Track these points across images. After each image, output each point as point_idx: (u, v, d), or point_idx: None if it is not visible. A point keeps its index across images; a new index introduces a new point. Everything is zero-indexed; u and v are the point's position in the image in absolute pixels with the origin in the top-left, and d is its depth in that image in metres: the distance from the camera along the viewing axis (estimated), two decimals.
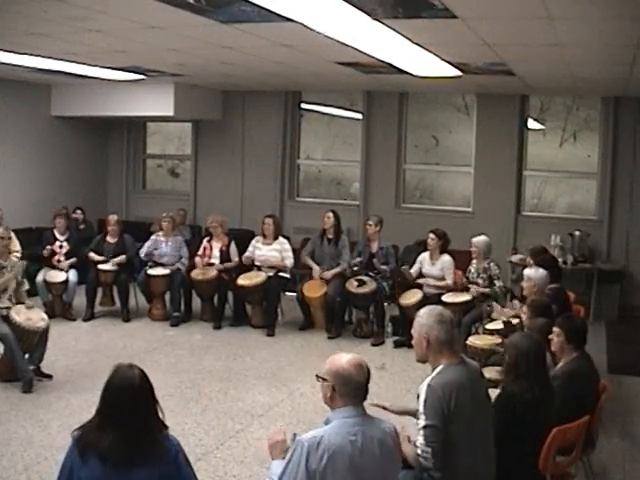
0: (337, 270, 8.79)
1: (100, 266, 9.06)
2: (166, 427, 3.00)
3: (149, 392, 2.96)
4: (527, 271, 6.46)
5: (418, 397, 3.47)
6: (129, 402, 2.87)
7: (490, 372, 5.17)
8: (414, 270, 8.52)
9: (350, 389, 3.04)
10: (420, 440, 3.39)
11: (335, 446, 2.91)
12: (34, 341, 6.55)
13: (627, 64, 7.07)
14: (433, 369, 3.56)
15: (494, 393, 3.93)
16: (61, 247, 9.10)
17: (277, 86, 10.99)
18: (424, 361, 3.64)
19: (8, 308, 6.60)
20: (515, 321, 6.08)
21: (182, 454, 3.01)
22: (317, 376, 3.14)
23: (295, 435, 3.18)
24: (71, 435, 2.93)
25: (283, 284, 9.04)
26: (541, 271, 6.32)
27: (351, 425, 3.00)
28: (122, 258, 9.20)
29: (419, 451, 3.39)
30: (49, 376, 6.71)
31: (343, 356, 3.11)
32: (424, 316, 3.63)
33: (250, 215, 11.31)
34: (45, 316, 6.79)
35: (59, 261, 9.05)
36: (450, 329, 3.58)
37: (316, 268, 8.88)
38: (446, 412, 3.36)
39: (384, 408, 3.91)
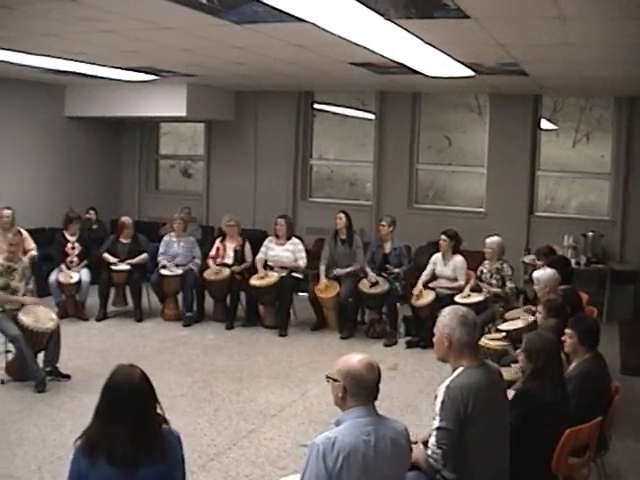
0: (349, 270, 8.78)
1: (113, 266, 9.08)
2: (166, 421, 3.02)
3: (150, 391, 2.99)
4: (535, 274, 6.42)
5: (436, 398, 3.46)
6: (131, 400, 2.89)
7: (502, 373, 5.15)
8: (427, 271, 8.55)
9: (362, 389, 3.03)
10: (432, 441, 3.38)
11: (349, 447, 2.90)
12: (43, 342, 6.54)
13: None
14: (453, 370, 3.54)
15: (509, 393, 3.92)
16: (73, 248, 9.12)
17: (290, 86, 10.99)
18: (444, 360, 3.61)
19: (18, 310, 6.60)
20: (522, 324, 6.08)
21: (181, 448, 3.04)
22: (327, 377, 3.12)
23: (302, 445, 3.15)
24: (74, 445, 2.94)
25: (296, 284, 9.05)
26: (548, 270, 6.29)
27: (363, 425, 2.99)
28: (144, 257, 9.26)
29: (429, 452, 3.38)
30: (67, 376, 6.72)
31: (354, 356, 3.10)
32: (447, 316, 3.58)
33: (263, 215, 11.29)
34: (55, 316, 6.77)
35: (72, 262, 9.08)
36: (472, 331, 3.55)
37: (323, 280, 8.89)
38: (462, 415, 3.34)
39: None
